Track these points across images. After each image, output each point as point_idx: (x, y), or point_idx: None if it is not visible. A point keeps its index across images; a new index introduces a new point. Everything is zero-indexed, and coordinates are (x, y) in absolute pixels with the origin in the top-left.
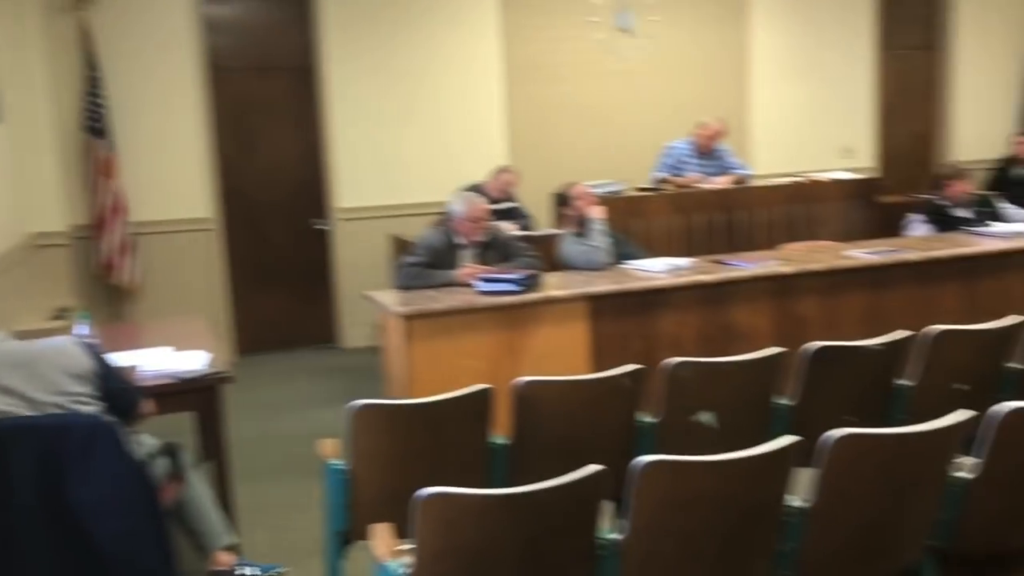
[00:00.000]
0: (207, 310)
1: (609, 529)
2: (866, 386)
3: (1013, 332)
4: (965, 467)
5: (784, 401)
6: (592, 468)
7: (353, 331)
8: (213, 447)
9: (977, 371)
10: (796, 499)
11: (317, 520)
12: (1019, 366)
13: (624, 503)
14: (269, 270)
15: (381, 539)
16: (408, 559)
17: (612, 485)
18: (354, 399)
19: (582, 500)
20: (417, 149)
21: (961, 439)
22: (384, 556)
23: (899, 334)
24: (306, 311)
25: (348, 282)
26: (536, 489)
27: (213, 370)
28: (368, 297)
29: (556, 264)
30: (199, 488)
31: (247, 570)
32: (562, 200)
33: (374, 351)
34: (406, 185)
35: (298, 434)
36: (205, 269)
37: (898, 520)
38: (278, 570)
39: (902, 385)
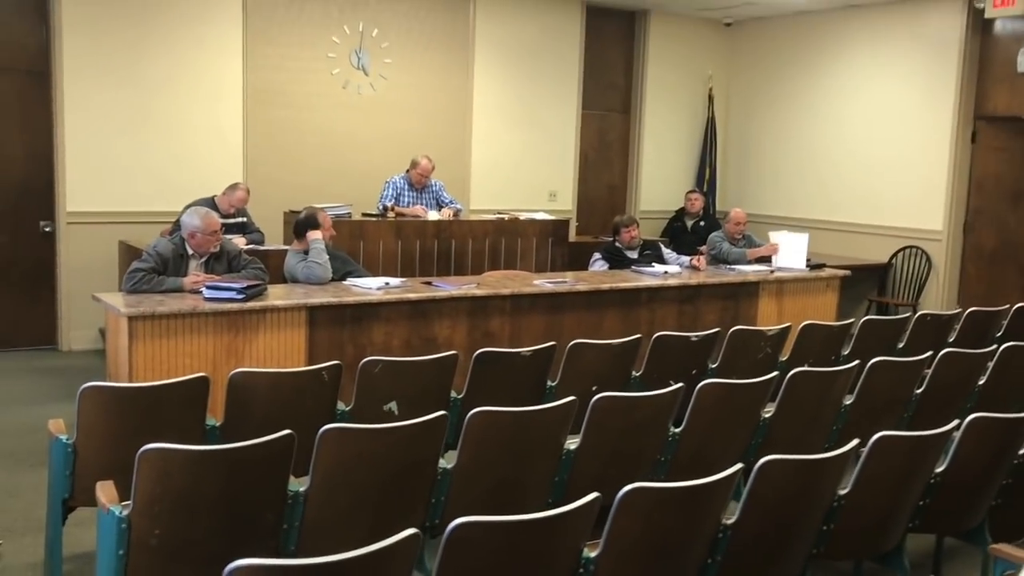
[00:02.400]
0: None
1: (296, 483)
2: (520, 383)
3: (634, 346)
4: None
5: (454, 395)
6: (283, 433)
7: (76, 333)
8: None
9: (606, 375)
10: (443, 462)
11: (31, 504)
12: (637, 373)
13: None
14: None
15: (105, 492)
16: (127, 504)
17: (296, 448)
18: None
19: (275, 458)
20: (152, 159)
21: (570, 420)
22: (108, 504)
23: (546, 344)
24: (27, 312)
25: (75, 285)
26: (237, 447)
27: None
28: (96, 298)
29: (283, 278)
30: None
31: None
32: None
33: (97, 354)
34: (139, 193)
35: (12, 429)
36: None
37: (521, 479)
38: None
39: (551, 386)
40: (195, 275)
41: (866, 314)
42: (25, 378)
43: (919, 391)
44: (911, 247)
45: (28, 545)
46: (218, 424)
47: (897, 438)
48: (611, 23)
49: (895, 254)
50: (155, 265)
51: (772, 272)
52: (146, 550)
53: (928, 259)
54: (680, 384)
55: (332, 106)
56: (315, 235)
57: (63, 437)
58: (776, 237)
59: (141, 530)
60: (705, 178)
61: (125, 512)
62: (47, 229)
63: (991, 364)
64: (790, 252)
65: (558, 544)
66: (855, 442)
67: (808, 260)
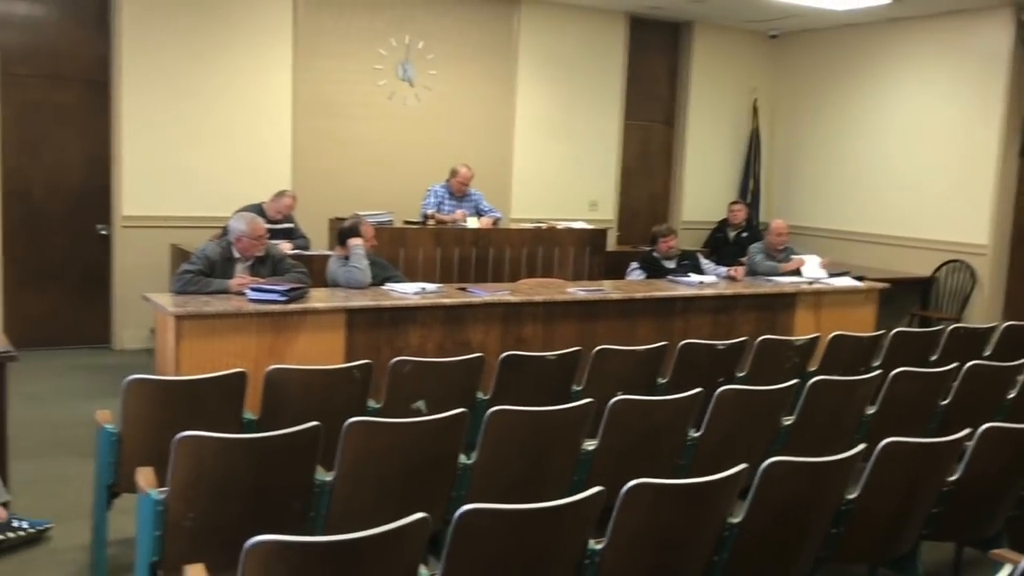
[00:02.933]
0: None
1: (324, 473)
2: (546, 386)
3: (660, 353)
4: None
5: (481, 396)
6: (310, 424)
7: (127, 333)
8: None
9: (632, 380)
10: (464, 458)
11: (79, 491)
12: (663, 380)
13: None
14: (47, 269)
15: (144, 477)
16: (165, 488)
17: (325, 440)
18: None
19: (303, 448)
20: (203, 166)
21: (588, 421)
22: (146, 488)
23: (572, 348)
24: (82, 311)
25: (127, 287)
26: (266, 436)
27: None
28: (146, 298)
29: (326, 282)
30: None
31: (21, 523)
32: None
33: (148, 353)
34: (191, 199)
35: (64, 422)
36: None
37: (538, 477)
38: (47, 524)
39: (576, 390)
40: (241, 277)
41: (909, 327)
42: (79, 375)
43: (944, 403)
44: (955, 261)
45: (77, 529)
46: (254, 418)
47: (906, 444)
48: (655, 34)
49: (939, 268)
50: (203, 267)
51: (810, 284)
52: (181, 532)
53: (972, 273)
54: (699, 389)
55: (378, 116)
56: (356, 242)
57: (109, 427)
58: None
59: (176, 513)
60: (749, 189)
61: (162, 496)
62: (103, 232)
63: (1021, 378)
64: (812, 268)
65: (564, 534)
66: (861, 447)
67: (848, 273)
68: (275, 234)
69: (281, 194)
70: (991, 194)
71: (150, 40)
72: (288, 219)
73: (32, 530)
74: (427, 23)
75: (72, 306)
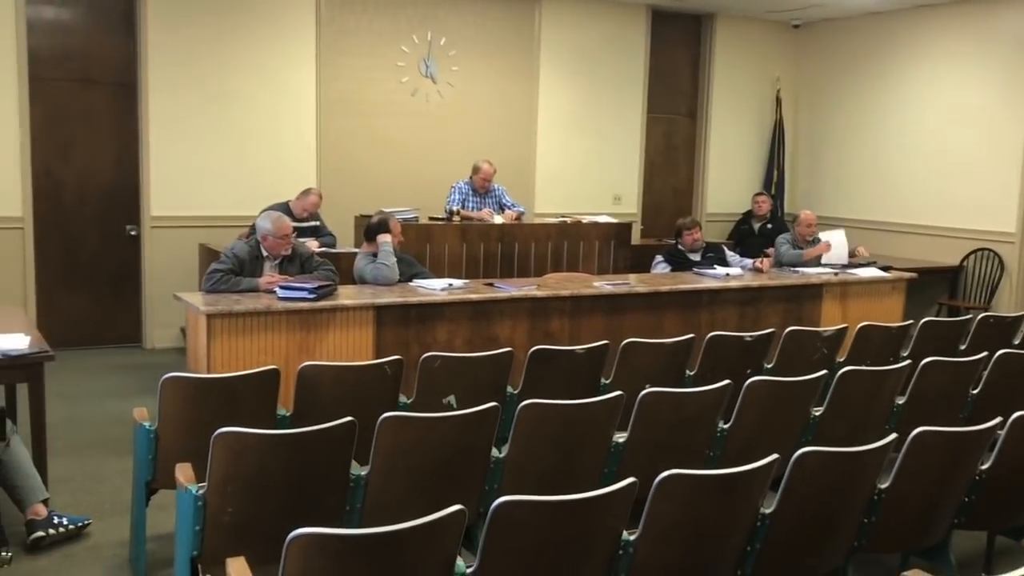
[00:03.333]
0: (12, 303)
1: (359, 468)
2: (575, 380)
3: (687, 345)
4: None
5: (510, 390)
6: (345, 420)
7: (158, 332)
8: (37, 416)
9: (660, 373)
10: (496, 452)
11: (117, 488)
12: (691, 372)
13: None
14: (78, 270)
15: (183, 473)
16: (203, 484)
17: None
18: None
19: (338, 443)
20: (230, 166)
21: (618, 414)
22: (185, 483)
23: (600, 342)
24: (113, 311)
25: (157, 286)
26: (302, 431)
27: (36, 349)
28: (177, 297)
29: (353, 279)
30: (18, 450)
31: (61, 519)
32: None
33: (178, 352)
34: (218, 198)
35: (98, 420)
36: (11, 265)
37: (570, 470)
38: (86, 521)
39: (604, 383)
40: (269, 276)
41: (936, 317)
42: (111, 374)
43: (975, 392)
44: (983, 249)
45: (115, 525)
46: (288, 414)
47: (936, 433)
48: (676, 27)
49: (966, 257)
50: (232, 266)
51: (836, 275)
52: (220, 527)
53: (1001, 261)
54: (728, 381)
55: (401, 114)
56: (385, 238)
57: (146, 424)
58: (826, 236)
59: (215, 508)
60: (773, 180)
61: (201, 491)
62: (132, 233)
63: None
64: (837, 248)
65: (598, 525)
66: (893, 436)
67: (875, 262)
68: (302, 232)
69: (307, 192)
70: (1018, 181)
71: (176, 42)
72: (314, 217)
73: (72, 526)
74: (448, 20)
75: (103, 306)
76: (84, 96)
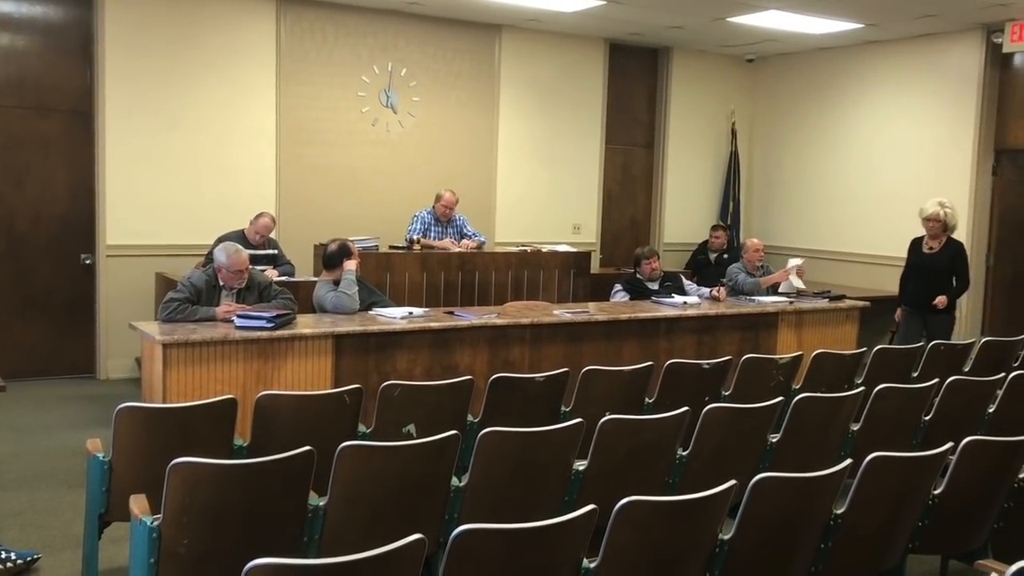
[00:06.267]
0: None
1: (317, 498)
2: (535, 407)
3: (646, 373)
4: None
5: (471, 418)
6: (303, 449)
7: (113, 362)
8: None
9: (620, 401)
10: (456, 480)
11: (68, 522)
12: (650, 399)
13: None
14: (31, 300)
15: (137, 504)
16: (158, 516)
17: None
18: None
19: (295, 474)
20: (188, 195)
21: (578, 441)
22: (140, 515)
23: (559, 370)
24: (67, 341)
25: (112, 315)
26: (260, 461)
27: None
28: (133, 326)
29: (313, 308)
30: None
31: (9, 554)
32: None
33: (133, 383)
34: (175, 227)
35: (51, 452)
36: None
37: (531, 497)
38: (35, 555)
39: (565, 411)
40: (227, 305)
41: (889, 345)
42: (65, 405)
43: (927, 418)
44: None
45: (66, 560)
46: (245, 444)
47: (890, 459)
48: (634, 60)
49: None
50: (189, 295)
51: (791, 303)
52: (175, 559)
53: None
54: (686, 408)
55: (361, 143)
56: (350, 265)
57: (100, 455)
58: (792, 263)
59: (170, 540)
60: (729, 211)
61: (156, 523)
62: (87, 261)
63: (1000, 392)
64: (793, 275)
65: (557, 553)
66: (848, 462)
67: (829, 292)
68: (259, 260)
69: (259, 216)
70: (965, 213)
71: (134, 70)
72: (272, 244)
73: (20, 561)
74: (409, 50)
75: (56, 336)
76: (39, 124)
